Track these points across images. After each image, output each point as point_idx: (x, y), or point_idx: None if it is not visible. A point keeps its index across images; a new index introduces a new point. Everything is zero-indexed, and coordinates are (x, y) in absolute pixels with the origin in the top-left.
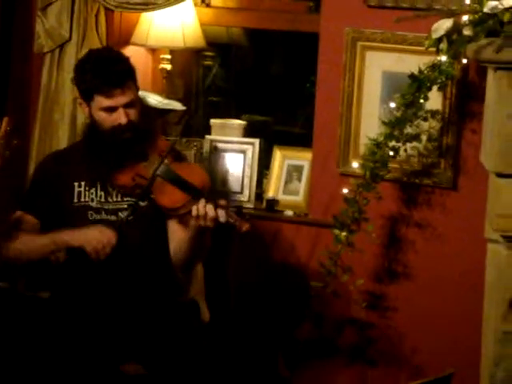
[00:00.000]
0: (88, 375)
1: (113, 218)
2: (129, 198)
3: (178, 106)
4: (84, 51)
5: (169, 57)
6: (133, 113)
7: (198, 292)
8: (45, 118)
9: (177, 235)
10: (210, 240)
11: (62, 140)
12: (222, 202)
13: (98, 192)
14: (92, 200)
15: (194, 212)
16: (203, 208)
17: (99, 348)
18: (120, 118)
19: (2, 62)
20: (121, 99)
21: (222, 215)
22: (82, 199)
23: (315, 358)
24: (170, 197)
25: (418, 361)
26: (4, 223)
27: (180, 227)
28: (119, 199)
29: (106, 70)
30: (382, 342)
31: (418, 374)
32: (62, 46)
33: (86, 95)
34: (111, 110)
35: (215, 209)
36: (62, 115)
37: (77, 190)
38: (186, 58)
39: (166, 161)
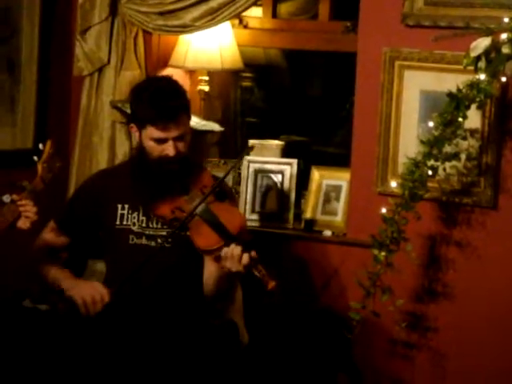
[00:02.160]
0: None
1: (152, 243)
2: (166, 227)
3: (215, 127)
4: (123, 74)
5: (206, 78)
6: (182, 145)
7: (237, 313)
8: (84, 140)
9: (207, 269)
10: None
11: (101, 163)
12: (253, 254)
13: (140, 217)
14: (134, 224)
15: (224, 251)
16: (231, 249)
17: (134, 374)
18: (169, 149)
19: (42, 84)
20: (172, 133)
21: (245, 260)
22: (125, 222)
23: None
24: (205, 238)
25: (459, 381)
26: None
27: (211, 262)
28: (159, 226)
29: (163, 103)
30: (423, 362)
31: None
32: (100, 70)
33: (139, 122)
34: (161, 141)
35: (242, 254)
36: (101, 138)
37: (120, 212)
38: (224, 80)
39: (208, 198)
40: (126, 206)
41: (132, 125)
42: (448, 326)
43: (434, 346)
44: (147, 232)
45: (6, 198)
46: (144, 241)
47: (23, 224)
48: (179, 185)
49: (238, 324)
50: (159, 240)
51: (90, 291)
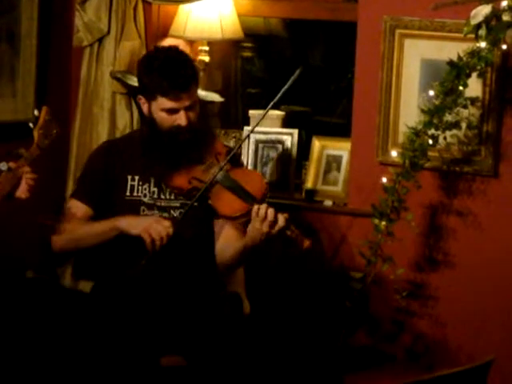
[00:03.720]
0: (129, 367)
1: (165, 215)
2: (181, 197)
3: (216, 97)
4: (123, 44)
5: (207, 48)
6: (193, 115)
7: (239, 285)
8: (85, 111)
9: (227, 236)
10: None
11: (102, 134)
12: (285, 215)
13: (151, 188)
14: (145, 195)
15: (254, 212)
16: (264, 210)
17: (141, 340)
18: (181, 119)
19: (42, 56)
20: (184, 102)
21: (282, 222)
22: (135, 193)
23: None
24: (229, 205)
25: (459, 349)
26: (47, 213)
27: (233, 230)
28: (172, 197)
29: (175, 72)
30: (425, 330)
31: (458, 362)
32: (100, 40)
33: (148, 93)
34: (173, 111)
35: (276, 214)
36: (101, 109)
37: (130, 183)
38: (224, 50)
39: (224, 167)
40: (137, 178)
41: (140, 96)
42: (448, 295)
43: (434, 314)
44: (159, 203)
45: (3, 166)
46: (156, 212)
47: (22, 193)
48: (193, 154)
49: (240, 295)
50: (172, 211)
51: (154, 226)
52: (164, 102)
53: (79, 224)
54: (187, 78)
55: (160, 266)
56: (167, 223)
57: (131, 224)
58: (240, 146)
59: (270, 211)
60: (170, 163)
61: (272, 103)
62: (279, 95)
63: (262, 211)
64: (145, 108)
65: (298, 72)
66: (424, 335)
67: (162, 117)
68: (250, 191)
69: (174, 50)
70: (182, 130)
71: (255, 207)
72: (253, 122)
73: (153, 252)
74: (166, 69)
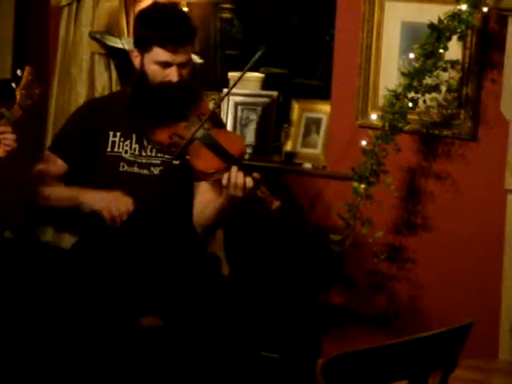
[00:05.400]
0: (108, 327)
1: (145, 171)
2: (162, 155)
3: (195, 59)
4: (102, 5)
5: (186, 9)
6: (185, 72)
7: (218, 247)
8: (63, 71)
9: (204, 198)
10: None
11: (81, 94)
12: (255, 175)
13: (133, 144)
14: (126, 152)
15: (225, 177)
16: (234, 174)
17: (119, 300)
18: (172, 74)
19: (20, 15)
20: (179, 57)
21: (249, 183)
22: (116, 149)
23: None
24: (206, 161)
25: (438, 312)
26: (28, 172)
27: (209, 191)
28: (153, 154)
29: (174, 26)
30: (401, 293)
31: (437, 325)
32: (79, 0)
33: (144, 45)
34: (166, 65)
35: (244, 177)
36: (80, 70)
37: (111, 139)
38: (203, 11)
39: (205, 125)
40: (118, 134)
41: (133, 49)
42: (427, 258)
43: (412, 277)
44: (139, 160)
45: None
46: (136, 169)
47: (0, 152)
48: (178, 111)
49: (220, 256)
50: (152, 168)
51: (114, 202)
52: (160, 54)
53: (52, 182)
54: (186, 33)
55: (138, 225)
56: (128, 200)
57: (92, 199)
58: (218, 107)
59: (240, 176)
60: (154, 118)
61: (234, 84)
62: (240, 76)
63: (232, 177)
64: (137, 61)
65: (259, 53)
66: (401, 298)
67: (154, 70)
68: (228, 149)
69: (173, 5)
70: (173, 85)
71: (225, 175)
72: (232, 84)
73: (113, 227)
74: (166, 21)
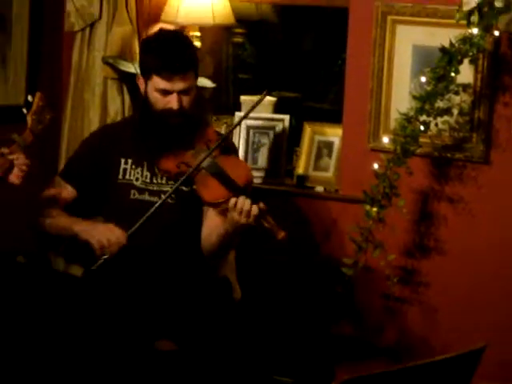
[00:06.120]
0: (123, 351)
1: (155, 199)
2: (173, 182)
3: (207, 83)
4: (114, 30)
5: (198, 34)
6: (186, 100)
7: (230, 270)
8: (76, 96)
9: (211, 222)
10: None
11: (93, 119)
12: (261, 205)
13: (144, 172)
14: (137, 179)
15: (232, 202)
16: (241, 201)
17: (134, 325)
18: (172, 102)
19: (33, 40)
20: (178, 85)
21: (255, 211)
22: (127, 177)
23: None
24: (212, 191)
25: (450, 335)
26: (38, 197)
27: (216, 217)
28: (164, 182)
29: (171, 54)
30: (414, 317)
31: (449, 349)
32: (92, 25)
33: (146, 73)
34: (166, 92)
35: (251, 205)
36: (93, 95)
37: (123, 166)
38: (216, 36)
39: (213, 153)
40: (130, 161)
41: (139, 76)
42: (439, 281)
43: (425, 300)
44: (151, 187)
45: None
46: (147, 196)
47: (15, 178)
48: (184, 139)
49: (231, 280)
50: (162, 196)
51: (105, 233)
52: (158, 82)
53: (55, 210)
54: (183, 61)
55: (149, 250)
56: (120, 232)
57: (85, 230)
58: (228, 134)
59: (246, 203)
60: (160, 146)
61: (240, 120)
62: (243, 117)
63: (239, 203)
64: (142, 88)
65: (263, 95)
66: (414, 322)
67: (155, 97)
68: (234, 179)
69: (175, 32)
70: (173, 113)
71: (232, 200)
72: (244, 108)
73: (103, 260)
74: (162, 48)
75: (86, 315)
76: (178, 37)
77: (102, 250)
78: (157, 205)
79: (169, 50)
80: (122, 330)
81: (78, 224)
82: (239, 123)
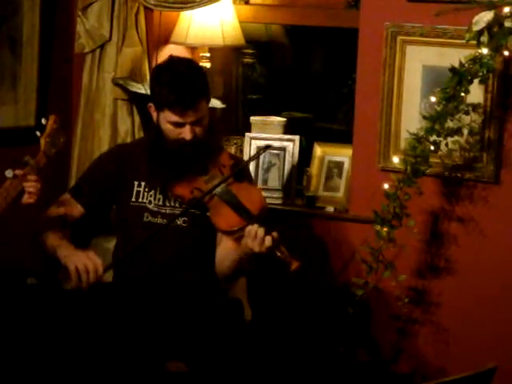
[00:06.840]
0: (133, 372)
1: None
2: (185, 206)
3: (217, 104)
4: (124, 51)
5: (208, 55)
6: (199, 130)
7: (241, 291)
8: (86, 117)
9: (225, 248)
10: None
11: (104, 140)
12: (275, 234)
13: (157, 195)
14: (150, 202)
15: (246, 231)
16: (255, 228)
17: (144, 345)
18: (185, 133)
19: (43, 62)
20: (189, 118)
21: (269, 242)
22: (140, 199)
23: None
24: (225, 219)
25: (462, 356)
26: (44, 214)
27: (230, 242)
28: (176, 205)
29: (183, 89)
30: (425, 337)
31: (461, 369)
32: (102, 46)
33: (158, 104)
34: (178, 125)
35: (265, 234)
36: (103, 115)
37: (136, 189)
38: (226, 56)
39: (226, 180)
40: (143, 184)
41: (150, 104)
42: (450, 301)
43: (436, 321)
44: (163, 211)
45: (8, 173)
46: (159, 219)
47: (27, 200)
48: (197, 165)
49: (242, 301)
50: (176, 219)
51: (83, 260)
52: (170, 116)
53: (55, 230)
54: (195, 95)
55: (161, 272)
56: (98, 261)
57: (65, 255)
58: (247, 163)
59: (260, 231)
60: (173, 173)
61: (249, 160)
62: (249, 161)
63: (253, 231)
64: (154, 116)
65: (263, 150)
66: (425, 342)
67: (168, 128)
68: (248, 207)
69: (186, 63)
70: (187, 143)
71: (248, 228)
72: (254, 129)
73: (78, 286)
74: (174, 83)
75: (98, 335)
76: (188, 68)
77: (77, 277)
78: (157, 232)
79: (181, 85)
80: (132, 351)
81: (62, 248)
82: (250, 161)
